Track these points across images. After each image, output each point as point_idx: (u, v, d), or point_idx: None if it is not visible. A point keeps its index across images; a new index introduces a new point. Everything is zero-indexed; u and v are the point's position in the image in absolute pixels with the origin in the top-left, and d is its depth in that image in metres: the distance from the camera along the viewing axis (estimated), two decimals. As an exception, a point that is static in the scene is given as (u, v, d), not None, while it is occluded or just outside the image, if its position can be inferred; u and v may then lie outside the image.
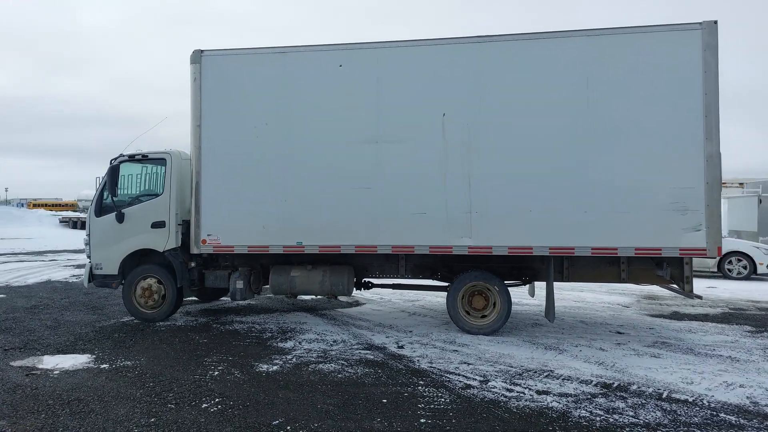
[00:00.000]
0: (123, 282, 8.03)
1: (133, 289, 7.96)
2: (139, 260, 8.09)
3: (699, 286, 12.14)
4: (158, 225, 7.83)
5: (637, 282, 7.31)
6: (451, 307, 7.20)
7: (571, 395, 4.90)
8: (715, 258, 6.55)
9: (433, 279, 7.78)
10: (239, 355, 6.18)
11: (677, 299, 10.24)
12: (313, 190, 7.17)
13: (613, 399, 4.80)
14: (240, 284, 7.68)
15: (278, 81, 7.23)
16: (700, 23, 6.43)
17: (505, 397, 4.86)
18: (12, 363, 5.99)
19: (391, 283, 8.36)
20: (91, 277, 8.11)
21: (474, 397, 4.84)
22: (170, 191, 7.82)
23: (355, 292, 10.05)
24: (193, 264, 7.89)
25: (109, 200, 8.01)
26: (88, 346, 6.64)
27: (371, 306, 9.31)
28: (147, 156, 8.01)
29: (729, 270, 13.82)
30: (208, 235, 7.45)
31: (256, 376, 5.47)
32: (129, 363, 5.95)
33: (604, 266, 7.25)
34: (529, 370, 5.63)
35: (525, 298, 9.76)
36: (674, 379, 5.36)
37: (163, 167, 7.91)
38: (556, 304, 9.41)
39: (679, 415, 4.46)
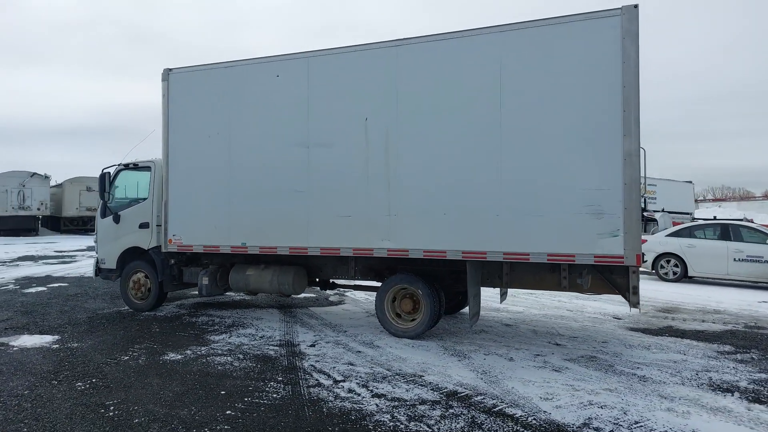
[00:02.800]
0: (120, 275, 9.15)
1: (127, 282, 9.05)
2: (138, 256, 9.16)
3: (750, 299, 10.73)
4: (144, 226, 8.83)
5: (578, 290, 6.79)
6: (378, 308, 7.27)
7: (400, 400, 4.86)
8: (633, 265, 5.91)
9: (378, 281, 7.85)
10: (164, 344, 6.85)
11: (697, 314, 9.17)
12: (253, 193, 7.66)
13: (437, 408, 4.68)
14: (205, 281, 8.39)
15: (227, 93, 7.82)
16: (620, 9, 5.88)
17: (336, 397, 4.95)
18: (-3, 339, 7.22)
19: (352, 284, 8.60)
20: (98, 270, 9.36)
21: (306, 396, 5.00)
22: (153, 195, 8.78)
23: (329, 292, 10.45)
24: (172, 261, 8.76)
25: (112, 203, 9.20)
26: (66, 329, 7.72)
27: (346, 306, 9.56)
28: (137, 165, 9.07)
29: (809, 282, 11.91)
30: (173, 235, 8.26)
31: (153, 363, 6.07)
32: (76, 345, 6.88)
33: (545, 273, 6.81)
34: (401, 375, 5.60)
35: (508, 303, 9.37)
36: (537, 393, 5.04)
37: (149, 174, 8.89)
38: (548, 312, 8.92)
39: (481, 427, 4.26)
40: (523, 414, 4.55)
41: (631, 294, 6.48)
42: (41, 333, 7.53)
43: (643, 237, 14.87)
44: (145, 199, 8.94)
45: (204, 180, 7.99)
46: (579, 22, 6.03)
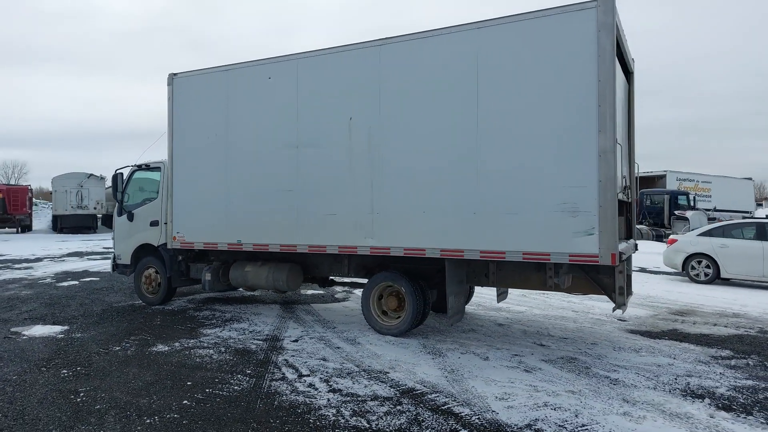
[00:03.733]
0: (134, 270, 9.61)
1: (140, 277, 9.49)
2: (150, 253, 9.58)
3: (779, 302, 10.13)
4: (154, 224, 9.24)
5: (565, 290, 6.63)
6: (363, 306, 7.34)
7: (354, 396, 4.92)
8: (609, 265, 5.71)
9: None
10: (158, 337, 7.16)
11: (711, 317, 8.75)
12: (248, 193, 7.88)
13: (386, 404, 4.71)
14: (208, 276, 8.69)
15: (224, 96, 8.07)
16: (595, 1, 5.71)
17: (293, 391, 5.06)
18: (12, 328, 7.72)
19: (348, 281, 8.71)
20: (115, 266, 9.86)
21: (264, 389, 5.13)
22: (162, 195, 9.17)
23: (337, 289, 10.54)
24: (180, 257, 9.12)
25: (127, 202, 9.67)
26: (77, 320, 8.18)
27: (348, 303, 9.64)
28: (149, 165, 9.49)
29: None
30: (177, 232, 8.60)
31: (139, 354, 6.36)
32: (79, 335, 7.29)
33: (531, 272, 6.70)
34: (368, 371, 5.65)
35: (513, 303, 9.22)
36: (494, 393, 4.98)
37: (159, 174, 9.29)
38: (550, 312, 8.73)
39: (421, 424, 4.27)
40: (470, 413, 4.52)
41: (617, 294, 6.32)
42: (54, 323, 8.01)
43: (674, 237, 14.30)
44: (155, 198, 9.35)
45: (204, 180, 8.28)
46: (553, 16, 5.90)
